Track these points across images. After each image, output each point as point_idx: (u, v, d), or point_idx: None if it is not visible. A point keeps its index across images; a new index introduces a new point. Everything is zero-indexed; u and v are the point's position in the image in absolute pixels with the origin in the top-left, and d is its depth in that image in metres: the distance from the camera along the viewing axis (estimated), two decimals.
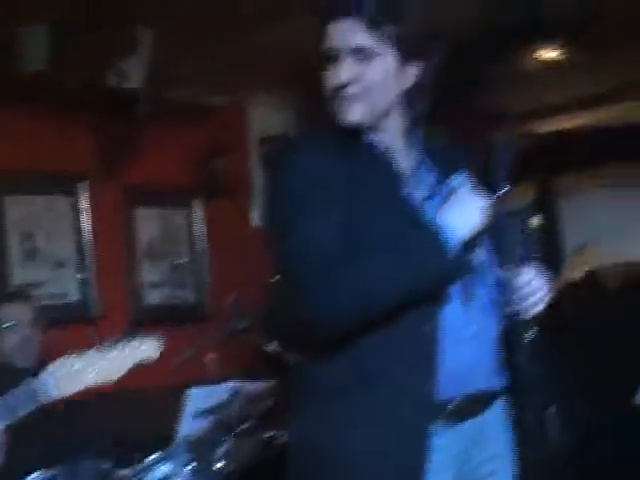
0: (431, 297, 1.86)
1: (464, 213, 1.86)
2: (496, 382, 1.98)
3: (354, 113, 1.94)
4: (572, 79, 6.39)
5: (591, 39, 5.64)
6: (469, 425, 1.93)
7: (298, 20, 3.42)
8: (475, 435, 1.95)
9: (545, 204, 5.70)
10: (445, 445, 1.89)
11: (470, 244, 1.88)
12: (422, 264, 1.81)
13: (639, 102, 7.08)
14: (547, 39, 5.65)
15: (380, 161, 1.97)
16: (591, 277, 3.95)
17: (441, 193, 1.97)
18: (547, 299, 1.95)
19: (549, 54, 5.85)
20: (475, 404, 1.94)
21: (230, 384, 3.73)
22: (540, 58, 5.90)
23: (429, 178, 2.01)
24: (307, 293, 1.82)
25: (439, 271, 1.82)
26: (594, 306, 4.57)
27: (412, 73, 1.97)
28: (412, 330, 1.84)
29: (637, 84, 6.67)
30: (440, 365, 1.85)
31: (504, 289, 1.92)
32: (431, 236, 1.81)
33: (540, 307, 1.94)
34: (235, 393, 3.64)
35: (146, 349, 2.54)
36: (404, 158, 2.01)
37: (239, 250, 5.15)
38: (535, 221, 5.75)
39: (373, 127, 1.97)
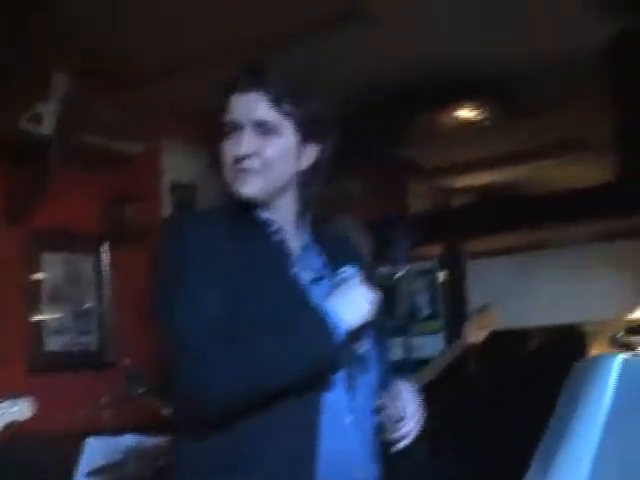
0: (314, 383, 1.85)
1: (353, 303, 1.88)
2: (373, 472, 1.99)
3: (251, 187, 1.93)
4: (488, 138, 6.54)
5: (508, 101, 5.80)
6: None
7: (212, 70, 3.45)
8: None
9: (452, 262, 5.78)
10: None
11: (356, 334, 1.90)
12: (307, 349, 1.81)
13: (552, 162, 7.30)
14: (466, 99, 5.78)
15: (271, 239, 1.96)
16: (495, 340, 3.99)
17: (329, 279, 1.98)
18: (416, 429, 1.98)
19: (467, 113, 5.98)
20: None
21: (128, 437, 3.69)
22: (459, 117, 6.03)
23: (317, 262, 2.02)
24: (185, 370, 1.79)
25: (324, 357, 1.83)
26: (496, 368, 4.63)
27: (310, 154, 1.99)
28: (293, 415, 1.83)
29: (550, 145, 6.87)
30: (319, 452, 1.85)
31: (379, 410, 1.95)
32: (318, 322, 1.82)
33: (409, 439, 1.96)
34: (131, 450, 3.59)
35: (17, 410, 2.53)
36: (294, 238, 2.01)
37: (145, 298, 5.07)
38: (441, 278, 5.83)
39: (267, 204, 1.97)
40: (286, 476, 1.84)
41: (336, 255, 2.05)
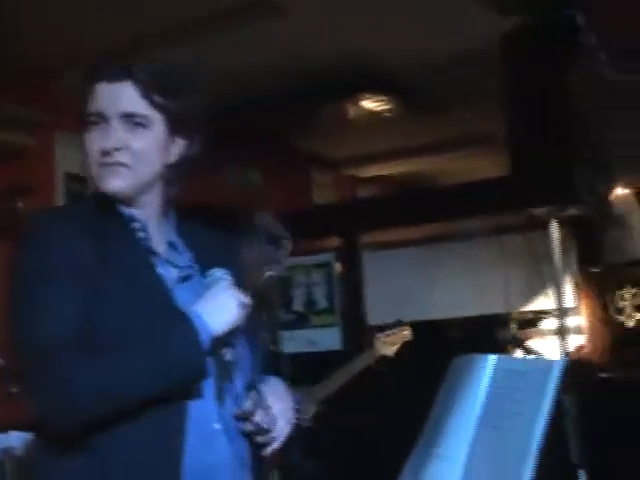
0: (180, 391, 1.79)
1: (220, 308, 1.82)
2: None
3: (118, 182, 1.86)
4: (392, 131, 6.58)
5: (411, 95, 5.83)
6: None
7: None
8: None
9: (350, 255, 5.80)
10: None
11: (224, 340, 1.84)
12: (171, 356, 1.75)
13: (453, 155, 7.40)
14: (370, 92, 5.80)
15: (134, 237, 1.89)
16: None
17: (198, 278, 1.93)
18: (287, 431, 1.94)
19: (371, 105, 6.01)
20: None
21: (13, 436, 3.63)
22: (363, 109, 6.04)
23: (184, 259, 1.96)
24: (43, 383, 1.70)
25: (188, 365, 1.77)
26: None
27: (177, 149, 1.93)
28: (159, 423, 1.77)
29: (452, 139, 6.96)
30: (186, 461, 1.79)
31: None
32: (183, 328, 1.76)
33: (279, 442, 1.93)
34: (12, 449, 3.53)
35: None
36: (159, 236, 1.95)
37: None
38: (337, 270, 5.84)
39: (134, 200, 1.90)
40: None
41: (206, 253, 1.99)
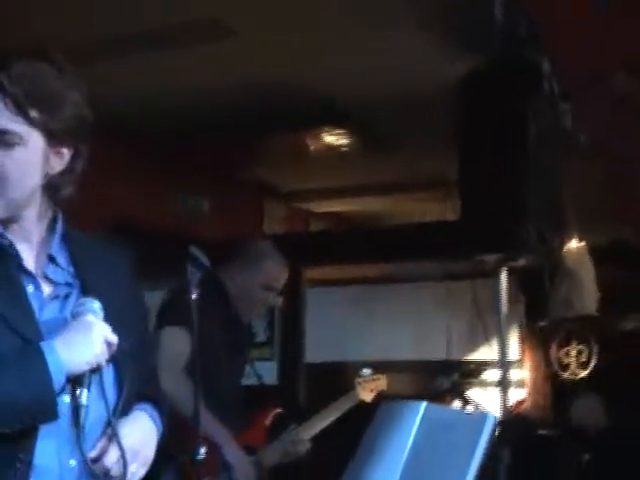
0: (26, 429, 1.63)
1: (80, 345, 1.67)
2: None
3: None
4: (348, 166, 6.49)
5: (377, 132, 5.75)
6: None
7: None
8: None
9: (292, 288, 5.67)
10: None
11: (83, 380, 1.68)
12: (20, 393, 1.60)
13: (408, 196, 7.31)
14: (325, 125, 5.70)
15: (2, 254, 1.71)
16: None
17: (72, 299, 1.77)
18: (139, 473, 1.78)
19: (327, 139, 5.91)
20: None
21: None
22: (324, 141, 5.95)
23: (62, 275, 1.79)
24: None
25: (38, 405, 1.61)
26: None
27: (60, 159, 1.75)
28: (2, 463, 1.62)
29: (407, 180, 6.87)
30: None
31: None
32: (41, 365, 1.61)
33: None
34: None
35: None
36: (39, 249, 1.78)
37: None
38: (279, 304, 5.71)
39: (7, 219, 1.73)
40: None
41: (91, 270, 1.83)
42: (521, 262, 4.24)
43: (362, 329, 5.53)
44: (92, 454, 1.70)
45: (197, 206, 5.65)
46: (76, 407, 1.67)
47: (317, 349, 5.57)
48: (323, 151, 6.10)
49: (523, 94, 3.99)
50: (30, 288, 1.73)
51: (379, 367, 4.98)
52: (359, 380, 4.02)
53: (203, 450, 2.03)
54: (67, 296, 1.77)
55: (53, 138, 1.72)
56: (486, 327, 4.86)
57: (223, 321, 3.50)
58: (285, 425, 3.64)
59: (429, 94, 4.77)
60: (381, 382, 4.12)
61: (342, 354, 5.11)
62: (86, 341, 1.67)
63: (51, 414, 1.63)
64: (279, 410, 3.65)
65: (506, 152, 4.01)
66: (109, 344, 1.70)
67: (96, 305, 1.72)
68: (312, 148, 6.08)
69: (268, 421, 3.63)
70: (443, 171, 5.83)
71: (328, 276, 5.97)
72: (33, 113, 1.69)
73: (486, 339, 5.18)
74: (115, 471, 1.71)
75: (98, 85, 4.72)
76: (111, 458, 1.71)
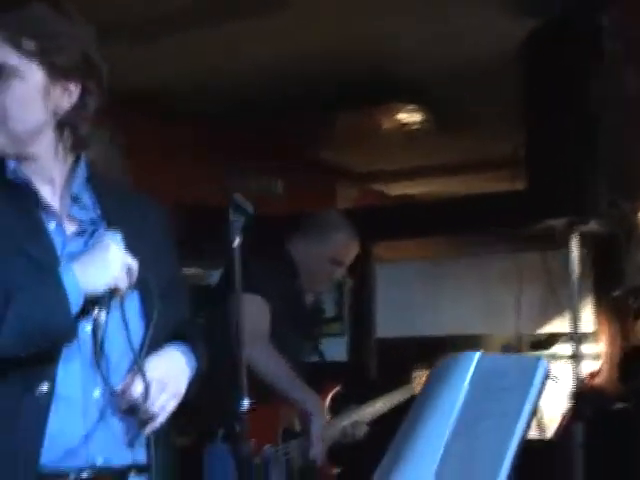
0: (47, 353, 1.63)
1: (98, 267, 1.66)
2: (127, 457, 1.76)
3: None
4: (424, 146, 6.41)
5: (447, 106, 5.67)
6: None
7: None
8: None
9: (362, 264, 5.63)
10: None
11: (103, 302, 1.68)
12: (36, 312, 1.59)
13: (478, 176, 7.20)
14: (398, 103, 5.64)
15: (22, 192, 1.74)
16: None
17: (92, 236, 1.77)
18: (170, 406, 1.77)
19: (406, 116, 5.84)
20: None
21: None
22: (396, 119, 5.89)
23: (86, 214, 1.80)
24: None
25: (54, 323, 1.61)
26: None
27: (68, 95, 1.76)
28: (20, 388, 1.62)
29: (481, 161, 6.75)
30: (51, 431, 1.64)
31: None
32: (56, 284, 1.61)
33: (161, 418, 1.75)
34: None
35: None
36: (59, 192, 1.79)
37: None
38: (348, 282, 5.67)
39: (17, 155, 1.75)
40: (8, 457, 1.61)
41: (117, 214, 1.83)
42: (591, 226, 4.12)
43: (431, 304, 5.45)
44: (118, 387, 1.69)
45: (270, 188, 5.59)
46: (95, 328, 1.66)
47: (386, 325, 5.51)
48: (395, 130, 6.05)
49: (587, 55, 3.90)
50: (52, 225, 1.74)
51: (448, 342, 4.95)
52: (417, 374, 3.90)
53: (247, 402, 1.98)
54: (93, 233, 1.77)
55: (55, 72, 1.72)
56: (557, 299, 4.74)
57: (288, 293, 3.45)
58: (345, 404, 3.58)
59: (494, 61, 4.69)
60: None
61: (411, 329, 5.04)
62: (103, 262, 1.67)
63: (68, 334, 1.63)
64: (339, 388, 3.56)
65: (571, 115, 3.92)
66: (129, 270, 1.69)
67: (117, 236, 1.72)
68: (384, 127, 6.04)
69: (328, 399, 3.55)
70: (514, 148, 5.74)
71: (397, 251, 5.91)
72: (29, 45, 1.69)
73: (557, 311, 5.07)
74: (141, 403, 1.70)
75: (162, 64, 4.80)
76: (136, 389, 1.69)
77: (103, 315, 1.67)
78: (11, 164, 1.75)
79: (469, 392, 1.89)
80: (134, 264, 1.71)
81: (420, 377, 3.89)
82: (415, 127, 6.00)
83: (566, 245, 4.37)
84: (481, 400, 1.87)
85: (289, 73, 5.11)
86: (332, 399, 3.54)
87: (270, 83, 5.20)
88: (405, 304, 5.59)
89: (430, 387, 2.04)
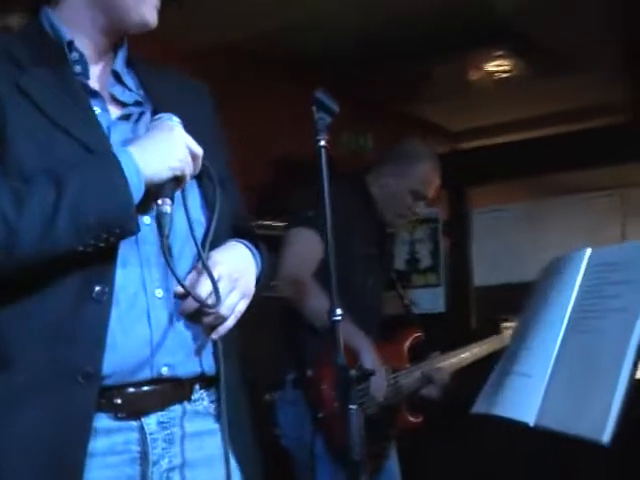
0: (105, 252, 1.47)
1: (160, 150, 1.50)
2: (193, 368, 1.60)
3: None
4: (519, 97, 6.21)
5: (541, 59, 5.48)
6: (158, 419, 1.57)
7: None
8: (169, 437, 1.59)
9: (457, 214, 5.49)
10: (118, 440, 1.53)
11: (164, 191, 1.51)
12: (95, 197, 1.42)
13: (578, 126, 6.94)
14: (494, 51, 5.47)
15: (71, 71, 1.60)
16: None
17: (143, 121, 1.63)
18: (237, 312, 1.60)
19: (498, 63, 5.67)
20: (167, 392, 1.57)
21: None
22: (487, 69, 5.72)
23: (130, 96, 1.66)
24: None
25: (117, 210, 1.44)
26: None
27: None
28: (78, 292, 1.46)
29: (581, 109, 6.50)
30: (112, 338, 1.48)
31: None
32: (109, 169, 1.45)
33: (229, 324, 1.59)
34: None
35: None
36: (99, 65, 1.66)
37: None
38: (441, 229, 5.53)
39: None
40: (61, 366, 1.46)
41: (164, 97, 1.68)
42: None
43: (532, 248, 5.24)
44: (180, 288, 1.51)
45: (362, 145, 5.49)
46: (159, 216, 1.49)
47: (484, 273, 5.35)
48: (487, 82, 5.88)
49: None
50: (97, 109, 1.59)
51: None
52: (506, 325, 3.73)
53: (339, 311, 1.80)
54: (139, 118, 1.63)
55: None
56: None
57: (365, 230, 3.26)
58: (427, 351, 3.41)
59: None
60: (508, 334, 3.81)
61: (511, 275, 4.86)
62: (167, 144, 1.51)
63: (129, 222, 1.46)
64: (419, 334, 3.39)
65: None
66: (194, 156, 1.54)
67: (175, 118, 1.56)
68: (475, 78, 5.87)
69: (408, 343, 3.36)
70: (614, 92, 5.51)
71: (493, 195, 5.73)
72: None
73: None
74: (210, 302, 1.52)
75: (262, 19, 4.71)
76: (204, 288, 1.52)
77: (168, 205, 1.50)
78: (67, 35, 1.63)
79: (582, 288, 1.77)
80: (198, 149, 1.56)
81: (507, 331, 3.67)
82: (508, 75, 5.83)
83: None
84: (593, 298, 1.74)
85: (379, 25, 4.99)
86: (411, 346, 3.37)
87: (363, 38, 5.08)
88: (502, 250, 5.39)
89: (542, 286, 1.95)
